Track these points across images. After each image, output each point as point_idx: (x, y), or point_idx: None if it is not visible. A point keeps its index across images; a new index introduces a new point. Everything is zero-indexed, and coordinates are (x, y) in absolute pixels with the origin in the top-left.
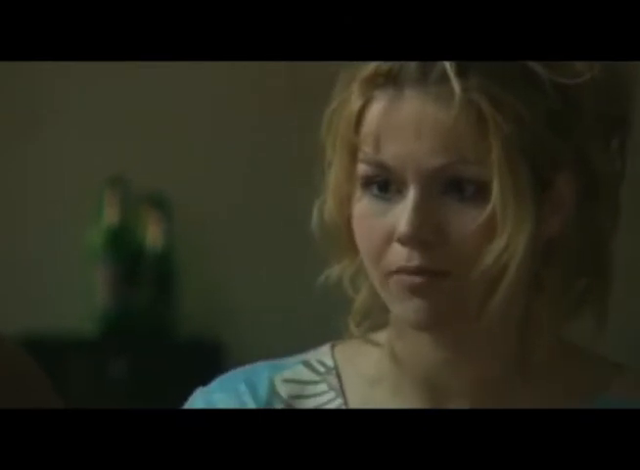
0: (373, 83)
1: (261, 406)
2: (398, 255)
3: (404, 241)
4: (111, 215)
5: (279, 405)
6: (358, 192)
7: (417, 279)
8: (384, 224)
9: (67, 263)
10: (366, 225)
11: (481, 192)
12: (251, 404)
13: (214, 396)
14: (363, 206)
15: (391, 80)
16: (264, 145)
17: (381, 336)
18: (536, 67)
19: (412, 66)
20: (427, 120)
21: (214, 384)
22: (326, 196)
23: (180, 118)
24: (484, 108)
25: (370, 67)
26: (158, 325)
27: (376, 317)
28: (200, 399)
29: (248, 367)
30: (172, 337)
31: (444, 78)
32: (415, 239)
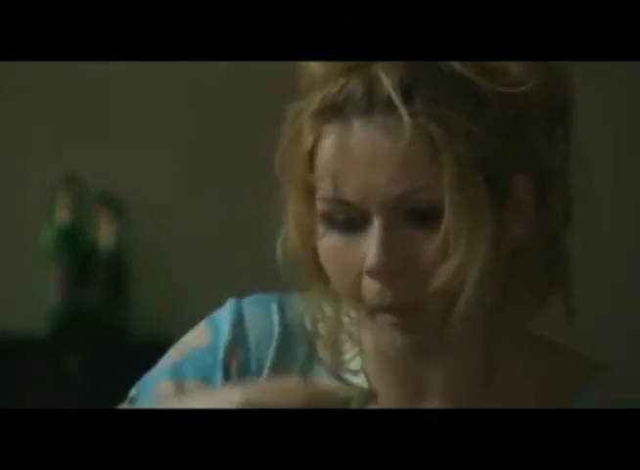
0: (321, 118)
1: (286, 329)
2: (371, 290)
3: (374, 274)
4: (63, 215)
5: (300, 337)
6: (321, 228)
7: (395, 318)
8: (352, 258)
9: (19, 262)
10: (335, 262)
11: (441, 215)
12: (276, 324)
13: (246, 308)
14: (328, 242)
15: (338, 113)
16: (220, 146)
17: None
18: (476, 79)
19: (357, 96)
20: (379, 151)
21: (249, 298)
22: (288, 230)
23: (134, 119)
24: (434, 131)
25: (316, 101)
26: (110, 325)
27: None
28: (232, 306)
29: (286, 295)
30: (125, 337)
31: (390, 106)
32: (384, 271)
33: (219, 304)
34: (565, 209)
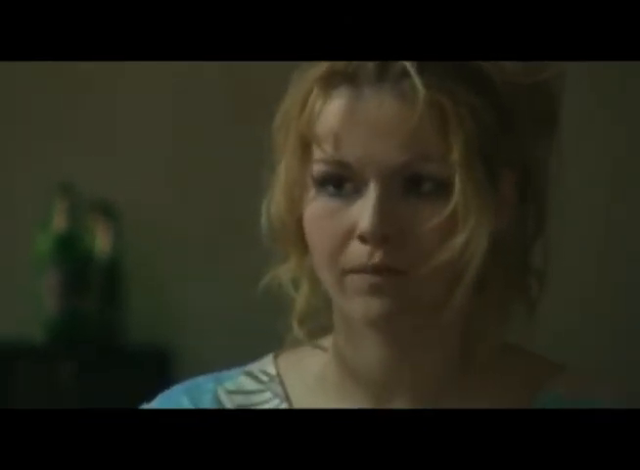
0: (331, 82)
1: None
2: (358, 253)
3: (367, 237)
4: (59, 222)
5: None
6: (312, 192)
7: (376, 278)
8: (341, 223)
9: (14, 270)
10: (322, 225)
11: (441, 189)
12: None
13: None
14: (318, 205)
15: (349, 79)
16: (212, 152)
17: (325, 341)
18: (488, 66)
19: (370, 64)
20: (388, 118)
21: (157, 400)
22: (274, 195)
23: (130, 127)
24: (447, 105)
25: (325, 65)
26: (105, 332)
27: (318, 318)
28: None
29: (189, 382)
30: (120, 344)
31: (403, 76)
32: (377, 235)
33: (215, 311)
34: (538, 217)
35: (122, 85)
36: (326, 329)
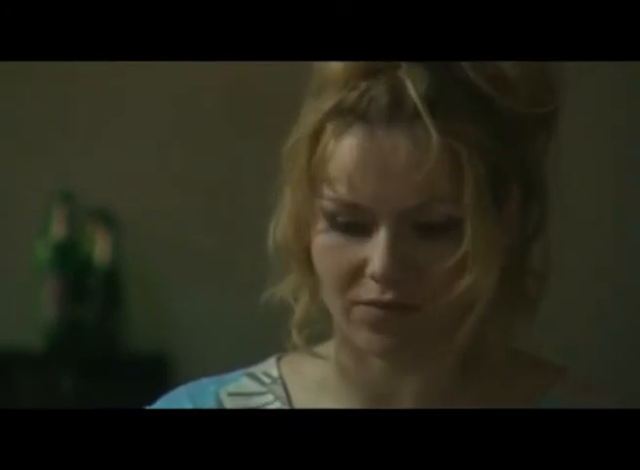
0: (341, 119)
1: None
2: (369, 289)
3: (379, 279)
4: (58, 230)
5: None
6: (321, 224)
7: (384, 313)
8: (352, 258)
9: (14, 278)
10: (332, 258)
11: (452, 229)
12: None
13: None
14: (328, 239)
15: (361, 117)
16: (213, 163)
17: (325, 348)
18: (491, 92)
19: (382, 102)
20: (400, 162)
21: (159, 402)
22: (280, 220)
23: (129, 134)
24: (460, 150)
25: (335, 100)
26: (105, 340)
27: (318, 324)
28: None
29: (192, 383)
30: (120, 351)
31: (415, 117)
32: (389, 278)
33: (215, 317)
34: (538, 219)
35: (123, 89)
36: (325, 336)
